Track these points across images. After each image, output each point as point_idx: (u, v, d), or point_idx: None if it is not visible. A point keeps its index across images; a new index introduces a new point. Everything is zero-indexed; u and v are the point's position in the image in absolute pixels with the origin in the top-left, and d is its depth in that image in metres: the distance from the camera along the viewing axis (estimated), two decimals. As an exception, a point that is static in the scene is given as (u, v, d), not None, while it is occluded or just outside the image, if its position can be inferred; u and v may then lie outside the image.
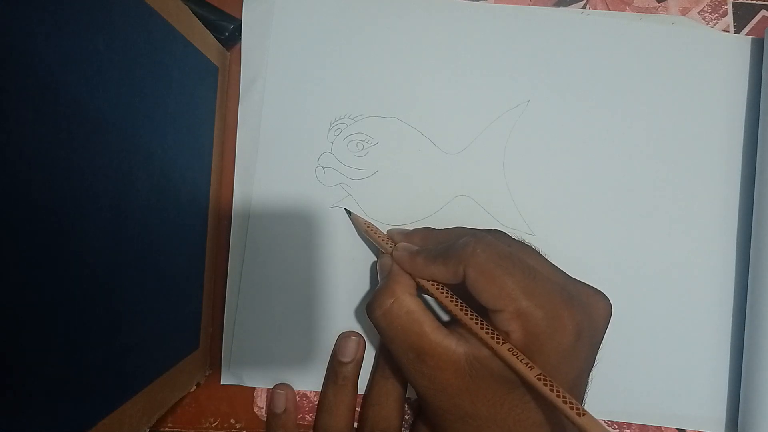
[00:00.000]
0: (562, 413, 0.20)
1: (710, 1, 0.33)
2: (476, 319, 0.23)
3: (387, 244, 0.28)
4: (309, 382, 0.31)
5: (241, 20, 0.32)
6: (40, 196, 0.16)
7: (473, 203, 0.32)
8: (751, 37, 0.33)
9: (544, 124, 0.32)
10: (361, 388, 0.31)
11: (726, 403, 0.31)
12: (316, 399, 0.31)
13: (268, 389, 0.32)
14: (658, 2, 0.33)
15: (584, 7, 0.33)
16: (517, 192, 0.32)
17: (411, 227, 0.31)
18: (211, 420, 0.32)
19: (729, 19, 0.33)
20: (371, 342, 0.31)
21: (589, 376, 0.24)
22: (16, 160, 0.15)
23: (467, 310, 0.24)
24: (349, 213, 0.31)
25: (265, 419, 0.31)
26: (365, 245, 0.31)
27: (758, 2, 0.33)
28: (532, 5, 0.33)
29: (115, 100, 0.20)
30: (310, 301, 0.31)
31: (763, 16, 0.33)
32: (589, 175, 0.32)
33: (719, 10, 0.33)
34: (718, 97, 0.32)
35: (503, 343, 0.22)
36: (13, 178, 0.15)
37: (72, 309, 0.18)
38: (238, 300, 0.31)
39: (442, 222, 0.31)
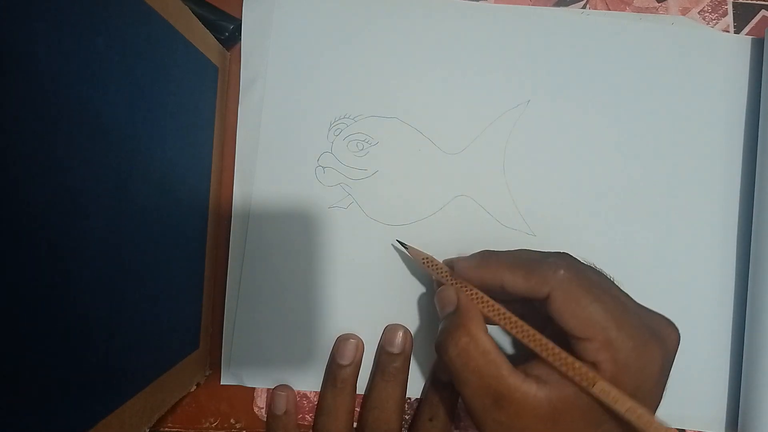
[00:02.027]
0: None
1: (710, 1, 0.33)
2: (564, 358, 0.22)
3: (448, 276, 0.27)
4: (309, 383, 0.31)
5: (241, 20, 0.32)
6: (39, 196, 0.16)
7: (473, 203, 0.32)
8: (751, 37, 0.33)
9: (544, 124, 0.32)
10: (361, 389, 0.31)
11: (726, 403, 0.31)
12: (316, 399, 0.31)
13: (268, 389, 0.32)
14: (658, 2, 0.33)
15: (584, 7, 0.33)
16: (517, 192, 0.32)
17: (411, 227, 0.31)
18: (211, 420, 0.32)
19: (729, 19, 0.33)
20: (370, 344, 0.31)
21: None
22: (16, 159, 0.15)
23: (551, 347, 0.22)
24: (404, 246, 0.30)
25: (265, 419, 0.31)
26: (365, 245, 0.31)
27: (758, 2, 0.33)
28: (532, 5, 0.33)
29: (115, 100, 0.20)
30: (310, 302, 0.31)
31: (763, 16, 0.33)
32: (589, 174, 0.32)
33: (719, 10, 0.33)
34: (718, 97, 0.32)
35: (597, 383, 0.21)
36: (13, 177, 0.15)
37: (72, 309, 0.18)
38: (238, 300, 0.31)
39: (442, 222, 0.31)
